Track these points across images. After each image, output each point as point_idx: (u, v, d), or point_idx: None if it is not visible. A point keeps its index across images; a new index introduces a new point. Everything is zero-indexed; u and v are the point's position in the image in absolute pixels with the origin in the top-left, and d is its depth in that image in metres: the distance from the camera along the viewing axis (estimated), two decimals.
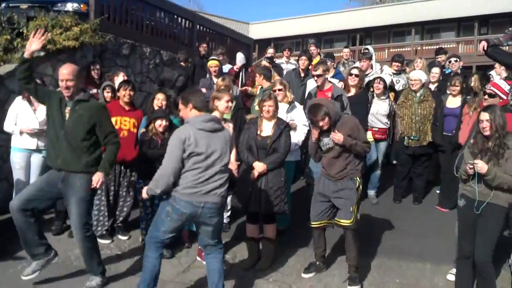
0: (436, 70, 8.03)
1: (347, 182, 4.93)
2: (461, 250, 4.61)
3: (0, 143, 6.49)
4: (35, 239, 4.56)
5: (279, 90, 6.14)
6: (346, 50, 10.96)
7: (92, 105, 4.58)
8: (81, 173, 4.51)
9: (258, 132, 5.38)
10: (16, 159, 6.02)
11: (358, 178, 4.97)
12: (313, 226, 5.14)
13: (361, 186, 5.01)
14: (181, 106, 4.27)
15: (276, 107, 5.43)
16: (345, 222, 4.89)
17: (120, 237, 6.07)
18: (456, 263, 4.81)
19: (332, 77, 8.09)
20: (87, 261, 4.76)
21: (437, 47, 15.54)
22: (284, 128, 5.36)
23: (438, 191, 7.45)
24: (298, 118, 6.15)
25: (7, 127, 6.07)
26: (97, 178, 4.53)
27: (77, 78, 4.52)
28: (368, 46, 10.90)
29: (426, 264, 5.32)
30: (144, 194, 4.26)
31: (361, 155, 5.06)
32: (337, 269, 5.32)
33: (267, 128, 5.38)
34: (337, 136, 4.77)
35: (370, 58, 8.72)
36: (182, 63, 9.14)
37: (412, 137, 7.00)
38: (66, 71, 4.46)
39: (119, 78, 6.92)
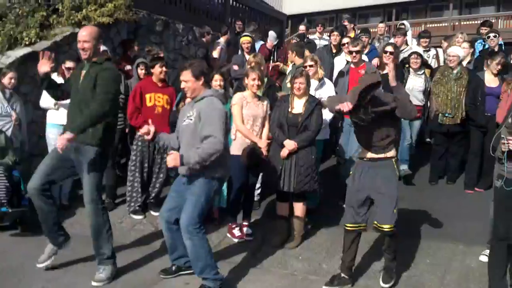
0: (466, 45, 7.83)
1: (386, 170, 4.39)
2: (497, 232, 4.51)
3: (36, 119, 6.64)
4: (55, 228, 4.48)
5: (310, 66, 6.08)
6: (382, 25, 10.74)
7: (102, 66, 4.33)
8: (89, 145, 4.27)
9: (289, 110, 5.35)
10: (52, 135, 6.13)
11: (395, 165, 4.47)
12: (347, 229, 4.59)
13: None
14: (191, 77, 4.20)
15: (308, 84, 5.39)
16: (387, 227, 4.35)
17: (153, 213, 6.15)
18: (490, 245, 4.73)
19: (367, 53, 7.96)
20: (96, 239, 4.44)
21: (477, 22, 15.11)
22: (316, 105, 5.32)
23: None
24: (328, 95, 6.08)
25: (44, 102, 6.18)
26: (61, 138, 4.06)
27: (94, 39, 4.30)
28: (404, 21, 10.68)
29: (458, 245, 5.24)
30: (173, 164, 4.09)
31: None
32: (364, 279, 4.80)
33: (298, 106, 5.34)
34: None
35: (405, 34, 8.54)
36: (203, 38, 9.21)
37: (447, 115, 6.85)
38: (84, 33, 4.32)
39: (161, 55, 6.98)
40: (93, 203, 4.38)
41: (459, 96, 6.79)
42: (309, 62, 6.12)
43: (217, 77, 5.89)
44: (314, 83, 6.02)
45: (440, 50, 8.69)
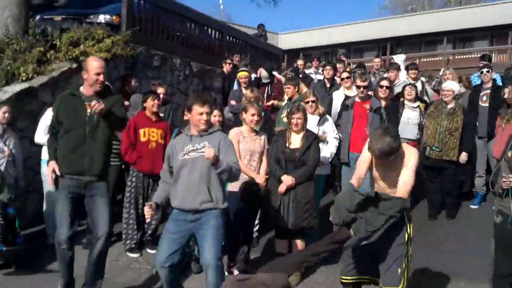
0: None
1: (395, 229, 3.85)
2: (498, 269, 4.46)
3: (32, 154, 6.60)
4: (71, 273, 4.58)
5: (312, 102, 6.10)
6: (377, 60, 10.86)
7: (114, 98, 4.64)
8: (102, 180, 4.56)
9: (287, 145, 5.33)
10: (47, 171, 6.06)
11: (408, 223, 3.96)
12: (343, 281, 4.22)
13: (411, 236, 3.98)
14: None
15: (305, 119, 5.38)
16: None
17: (149, 250, 6.05)
18: (492, 282, 4.66)
19: None
20: (95, 272, 4.56)
21: (471, 56, 15.30)
22: (313, 140, 5.30)
23: (472, 206, 7.29)
24: (329, 130, 6.09)
25: (38, 138, 6.15)
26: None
27: None
28: (394, 56, 10.81)
29: (459, 282, 5.16)
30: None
31: None
32: None
33: (295, 140, 5.33)
34: None
35: (399, 69, 8.62)
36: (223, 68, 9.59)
37: (434, 148, 6.86)
38: (100, 63, 4.48)
39: (159, 90, 6.99)
40: (107, 234, 4.55)
41: (447, 132, 6.81)
42: (311, 98, 6.14)
43: (216, 112, 5.89)
44: (315, 118, 6.03)
45: (425, 83, 8.79)
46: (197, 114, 4.13)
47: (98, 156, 4.48)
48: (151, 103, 6.02)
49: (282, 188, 5.16)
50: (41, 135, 6.08)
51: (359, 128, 6.32)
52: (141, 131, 5.98)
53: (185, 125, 5.77)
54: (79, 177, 4.44)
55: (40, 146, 6.21)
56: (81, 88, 4.55)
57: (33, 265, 4.49)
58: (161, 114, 6.84)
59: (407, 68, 8.96)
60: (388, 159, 3.83)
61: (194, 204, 4.13)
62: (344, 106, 6.66)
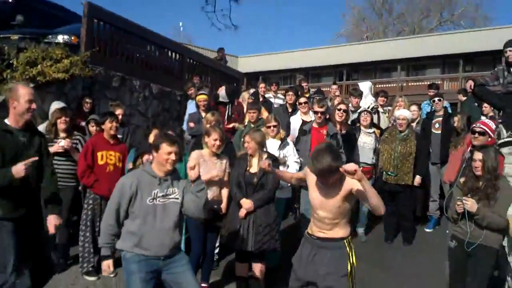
0: (414, 108, 8.26)
1: (335, 254, 3.80)
2: None
3: None
4: None
5: (274, 126, 6.18)
6: (334, 86, 11.06)
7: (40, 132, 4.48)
8: None
9: (248, 168, 5.35)
10: None
11: (350, 251, 3.82)
12: None
13: (354, 265, 3.82)
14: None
15: (259, 144, 5.40)
16: None
17: (88, 278, 5.86)
18: None
19: None
20: None
21: (424, 83, 15.80)
22: (272, 163, 5.33)
23: (427, 229, 7.48)
24: (290, 154, 6.16)
25: None
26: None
27: None
28: (360, 83, 11.06)
29: None
30: None
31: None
32: None
33: (255, 164, 5.35)
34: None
35: (360, 95, 8.83)
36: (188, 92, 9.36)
37: (389, 173, 7.03)
38: (31, 90, 4.12)
39: (117, 111, 6.93)
40: None
41: (402, 157, 7.00)
42: (273, 123, 6.22)
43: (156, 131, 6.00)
44: (276, 143, 6.10)
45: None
46: (165, 153, 3.97)
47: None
48: (109, 125, 5.93)
49: (242, 212, 5.15)
50: None
51: None
52: (99, 154, 5.88)
53: (144, 147, 5.77)
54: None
55: None
56: (6, 121, 4.07)
57: None
58: (119, 136, 6.77)
59: (376, 95, 9.18)
60: (327, 180, 3.73)
61: (166, 251, 3.98)
62: (302, 131, 6.75)
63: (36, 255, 4.18)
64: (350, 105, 8.52)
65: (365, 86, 10.22)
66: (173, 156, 3.98)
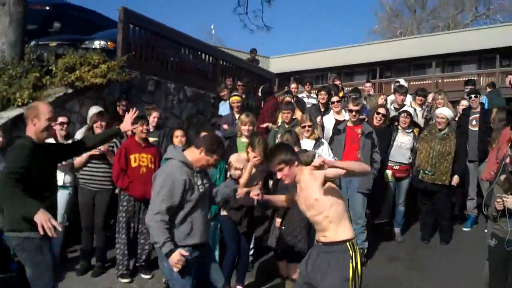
0: (464, 102, 8.18)
1: (337, 257, 3.70)
2: None
3: None
4: None
5: (309, 126, 6.19)
6: (368, 84, 11.00)
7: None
8: None
9: None
10: None
11: (354, 254, 3.69)
12: None
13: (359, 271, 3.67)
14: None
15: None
16: None
17: (143, 276, 6.03)
18: None
19: None
20: None
21: (460, 79, 15.52)
22: None
23: (465, 228, 7.35)
24: (325, 154, 6.17)
25: None
26: None
27: None
28: (400, 80, 10.93)
29: None
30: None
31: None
32: None
33: None
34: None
35: (406, 93, 8.72)
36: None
37: (426, 172, 6.94)
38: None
39: (153, 114, 7.04)
40: None
41: (440, 156, 6.90)
42: (308, 123, 6.23)
43: (177, 133, 6.25)
44: (311, 143, 6.10)
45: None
46: (213, 160, 4.03)
47: None
48: (140, 129, 6.04)
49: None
50: None
51: (351, 153, 6.41)
52: (132, 157, 6.00)
53: None
54: None
55: None
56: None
57: None
58: (155, 138, 6.89)
59: (415, 93, 9.08)
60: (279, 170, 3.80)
61: (207, 237, 4.13)
62: (336, 131, 6.73)
63: None
64: (394, 102, 8.46)
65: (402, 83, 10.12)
66: (214, 163, 4.08)
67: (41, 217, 3.53)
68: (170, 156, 4.09)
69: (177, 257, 3.72)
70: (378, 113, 6.92)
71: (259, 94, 9.48)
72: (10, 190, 3.62)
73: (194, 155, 4.01)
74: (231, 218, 5.37)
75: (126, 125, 4.63)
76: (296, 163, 3.81)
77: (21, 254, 3.84)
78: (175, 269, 3.75)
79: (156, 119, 7.11)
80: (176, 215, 3.90)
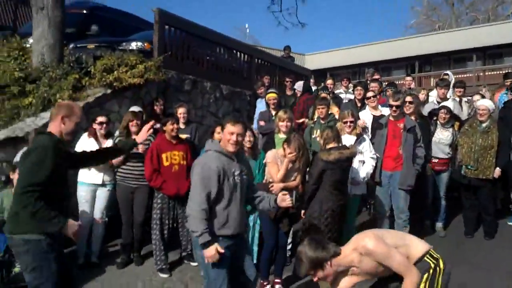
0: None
1: None
2: None
3: (69, 177, 6.61)
4: None
5: (351, 122, 6.12)
6: (409, 78, 10.77)
7: None
8: None
9: None
10: (83, 193, 6.22)
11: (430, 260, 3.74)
12: None
13: None
14: None
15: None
16: None
17: (192, 264, 6.20)
18: None
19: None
20: None
21: (502, 72, 15.10)
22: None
23: (510, 223, 7.13)
24: (366, 150, 6.08)
25: None
26: None
27: None
28: (448, 72, 10.70)
29: None
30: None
31: None
32: None
33: None
34: None
35: (448, 85, 8.51)
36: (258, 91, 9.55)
37: (469, 167, 6.77)
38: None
39: (179, 110, 7.09)
40: None
41: (483, 151, 6.72)
42: (349, 118, 6.15)
43: (219, 129, 6.04)
44: (352, 138, 6.03)
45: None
46: (228, 133, 4.01)
47: None
48: (170, 127, 6.11)
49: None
50: None
51: (392, 148, 6.30)
52: (164, 156, 6.07)
53: None
54: None
55: (75, 170, 6.31)
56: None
57: None
58: (187, 135, 6.90)
59: (453, 86, 8.87)
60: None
61: (242, 228, 4.15)
62: (378, 125, 6.61)
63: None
64: (436, 95, 8.26)
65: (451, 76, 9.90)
66: (234, 137, 4.00)
67: (72, 229, 3.58)
68: (207, 148, 4.13)
69: (212, 252, 3.76)
70: (405, 102, 6.78)
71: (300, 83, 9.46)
72: (31, 209, 3.46)
73: (222, 140, 4.11)
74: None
75: (141, 136, 4.53)
76: (329, 262, 3.57)
77: (25, 257, 3.62)
78: (210, 261, 3.78)
79: (183, 115, 7.15)
80: (213, 206, 3.92)
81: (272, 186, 5.29)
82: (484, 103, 7.00)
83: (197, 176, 3.90)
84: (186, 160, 6.15)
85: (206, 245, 3.75)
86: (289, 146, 5.28)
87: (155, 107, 7.60)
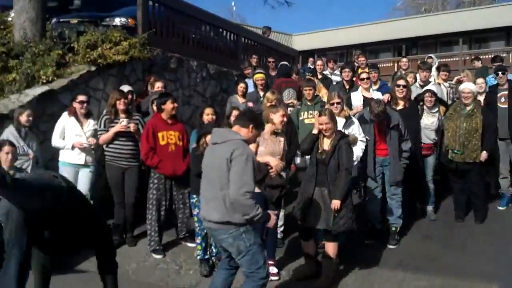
0: (481, 81, 7.85)
1: None
2: None
3: (55, 157, 6.40)
4: None
5: (337, 103, 6.03)
6: (404, 60, 10.65)
7: None
8: None
9: (319, 145, 5.29)
10: (65, 174, 5.97)
11: None
12: None
13: None
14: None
15: (335, 123, 5.33)
16: None
17: (189, 244, 6.19)
18: None
19: (378, 89, 7.89)
20: None
21: (488, 56, 15.17)
22: (340, 140, 5.19)
23: (499, 207, 7.15)
24: (356, 133, 6.02)
25: (55, 142, 6.15)
26: None
27: None
28: (432, 55, 10.65)
29: (491, 285, 5.06)
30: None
31: None
32: None
33: (327, 142, 5.28)
34: None
35: (430, 68, 8.44)
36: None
37: (455, 151, 6.75)
38: None
39: (156, 85, 7.01)
40: None
41: (467, 134, 6.72)
42: (336, 99, 6.08)
43: (208, 110, 6.19)
44: (341, 121, 5.95)
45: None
46: (257, 134, 4.38)
47: None
48: (170, 106, 6.02)
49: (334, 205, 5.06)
50: (57, 139, 6.13)
51: (382, 143, 6.29)
52: (160, 134, 5.99)
53: (206, 127, 5.77)
54: None
55: (56, 149, 6.21)
56: None
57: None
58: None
59: (438, 69, 8.82)
60: None
61: None
62: (362, 119, 6.44)
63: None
64: (418, 79, 8.20)
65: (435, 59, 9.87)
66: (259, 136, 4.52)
67: None
68: (230, 138, 4.09)
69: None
70: (398, 85, 6.74)
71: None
72: None
73: (246, 133, 4.16)
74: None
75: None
76: None
77: None
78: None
79: (160, 89, 7.06)
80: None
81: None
82: (468, 86, 7.00)
83: (246, 163, 3.93)
84: (183, 141, 6.09)
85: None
86: (276, 111, 5.38)
87: (149, 85, 7.42)
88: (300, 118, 6.94)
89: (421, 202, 7.24)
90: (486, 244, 6.09)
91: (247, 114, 4.43)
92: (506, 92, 7.35)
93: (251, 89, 8.35)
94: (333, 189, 5.08)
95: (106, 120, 6.18)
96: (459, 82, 8.50)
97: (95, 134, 6.21)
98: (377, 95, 7.42)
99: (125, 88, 6.70)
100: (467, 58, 23.12)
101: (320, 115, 5.24)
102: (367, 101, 7.21)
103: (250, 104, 7.83)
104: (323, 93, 7.89)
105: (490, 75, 9.15)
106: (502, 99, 7.36)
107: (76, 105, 6.15)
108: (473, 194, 6.92)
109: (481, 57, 22.12)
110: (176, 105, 6.08)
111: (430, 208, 7.16)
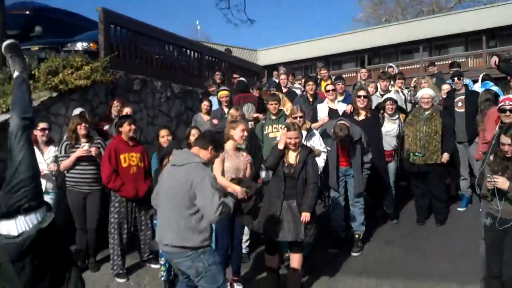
0: (446, 87, 8.10)
1: None
2: (489, 270, 4.51)
3: None
4: None
5: (300, 117, 6.15)
6: (364, 70, 10.87)
7: None
8: None
9: (285, 160, 5.33)
10: None
11: None
12: None
13: None
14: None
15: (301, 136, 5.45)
16: None
17: (153, 266, 6.15)
18: (484, 283, 4.70)
19: (343, 100, 8.07)
20: None
21: (448, 62, 15.60)
22: (308, 155, 5.29)
23: (459, 209, 7.35)
24: (317, 144, 6.14)
25: None
26: None
27: None
28: (392, 64, 10.90)
29: (451, 285, 5.20)
30: None
31: None
32: None
33: (293, 156, 5.33)
34: None
35: (390, 78, 8.67)
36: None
37: (416, 154, 6.94)
38: None
39: (125, 110, 7.01)
40: None
41: (428, 137, 6.90)
42: (299, 113, 6.19)
43: (163, 132, 6.27)
44: (302, 133, 6.05)
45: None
46: (216, 156, 4.45)
47: None
48: (127, 128, 6.01)
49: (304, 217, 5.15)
50: None
51: (345, 157, 6.36)
52: (122, 156, 5.96)
53: (167, 149, 5.82)
54: None
55: None
56: None
57: None
58: None
59: (394, 78, 9.05)
60: None
61: None
62: (325, 134, 6.51)
63: None
64: (379, 88, 8.41)
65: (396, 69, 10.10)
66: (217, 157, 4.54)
67: None
68: (189, 161, 4.10)
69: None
70: (359, 96, 6.89)
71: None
72: None
73: (205, 155, 4.19)
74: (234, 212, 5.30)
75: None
76: None
77: None
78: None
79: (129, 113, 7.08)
80: (202, 220, 4.06)
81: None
82: (427, 92, 7.18)
83: (209, 185, 3.96)
84: (144, 162, 6.08)
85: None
86: (236, 127, 5.44)
87: (113, 109, 7.41)
88: (265, 132, 7.04)
89: (384, 208, 7.37)
90: (448, 245, 6.24)
91: (206, 135, 4.45)
92: (463, 97, 7.54)
93: (216, 106, 8.44)
94: (302, 201, 5.16)
95: (66, 145, 6.12)
96: (415, 87, 8.75)
97: (56, 161, 6.15)
98: (342, 106, 7.58)
99: (77, 110, 6.67)
100: (427, 64, 23.72)
101: (288, 130, 5.31)
102: (333, 113, 7.41)
103: (215, 121, 7.90)
104: (288, 107, 8.01)
105: (447, 80, 9.42)
106: (459, 104, 7.54)
107: (37, 132, 6.08)
108: (434, 197, 7.07)
109: (440, 63, 22.88)
110: (133, 127, 6.05)
111: (392, 212, 7.30)
